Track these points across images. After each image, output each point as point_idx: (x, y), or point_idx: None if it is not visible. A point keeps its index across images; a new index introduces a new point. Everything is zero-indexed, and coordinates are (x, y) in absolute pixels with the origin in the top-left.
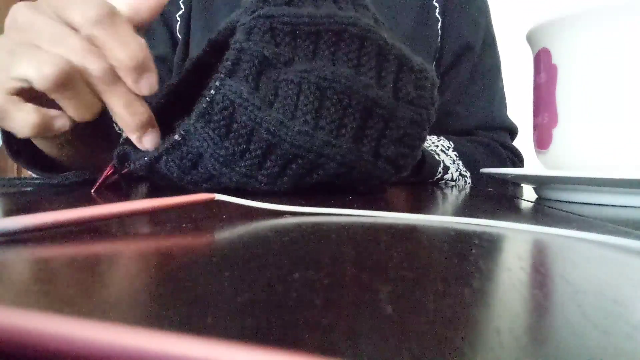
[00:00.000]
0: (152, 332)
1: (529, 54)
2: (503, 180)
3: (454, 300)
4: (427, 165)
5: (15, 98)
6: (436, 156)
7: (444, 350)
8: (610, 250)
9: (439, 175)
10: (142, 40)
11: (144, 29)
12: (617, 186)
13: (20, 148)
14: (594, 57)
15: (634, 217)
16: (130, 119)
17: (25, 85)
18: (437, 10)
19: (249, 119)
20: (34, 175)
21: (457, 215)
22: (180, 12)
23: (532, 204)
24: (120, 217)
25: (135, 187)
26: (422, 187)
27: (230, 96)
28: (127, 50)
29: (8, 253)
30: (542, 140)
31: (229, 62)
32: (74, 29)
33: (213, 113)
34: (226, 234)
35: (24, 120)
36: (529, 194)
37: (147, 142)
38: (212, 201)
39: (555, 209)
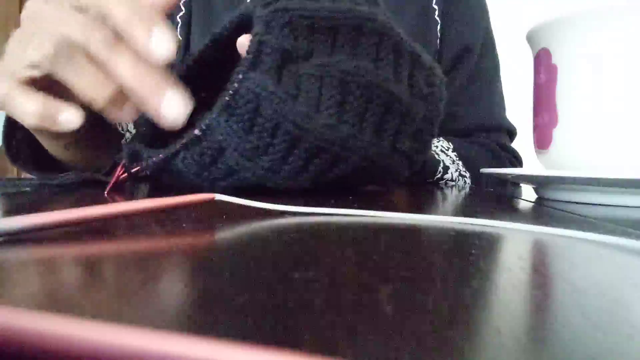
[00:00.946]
0: (152, 332)
1: (529, 54)
2: (502, 180)
3: (454, 300)
4: (428, 165)
5: (25, 87)
6: (436, 156)
7: (444, 350)
8: (610, 250)
9: (439, 175)
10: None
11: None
12: (617, 186)
13: (20, 149)
14: (594, 57)
15: (634, 217)
16: (140, 84)
17: (35, 73)
18: (437, 12)
19: (274, 112)
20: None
21: (457, 215)
22: (180, 14)
23: (532, 204)
24: (121, 217)
25: (135, 187)
26: (422, 187)
27: (254, 89)
28: (126, 3)
29: (8, 253)
30: (542, 140)
31: (250, 55)
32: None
33: (236, 106)
34: (226, 234)
35: (28, 108)
36: (529, 194)
37: (170, 107)
38: (212, 201)
39: (555, 209)
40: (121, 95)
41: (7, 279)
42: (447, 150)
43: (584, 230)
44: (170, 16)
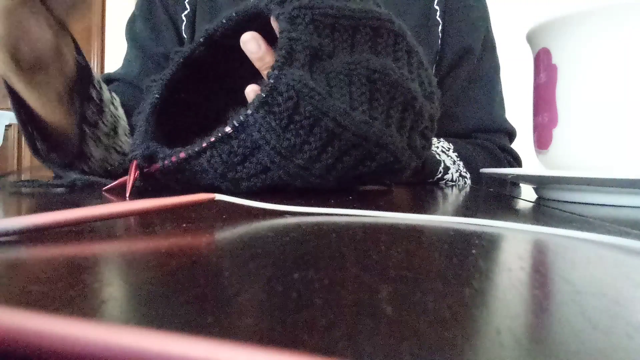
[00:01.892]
0: (152, 332)
1: (529, 54)
2: (502, 180)
3: (454, 300)
4: (428, 164)
5: None
6: (437, 156)
7: (444, 350)
8: (610, 250)
9: (439, 175)
10: None
11: None
12: (617, 186)
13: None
14: (594, 57)
15: (634, 217)
16: None
17: None
18: (438, 13)
19: (315, 108)
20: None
21: (457, 215)
22: (185, 12)
23: (532, 204)
24: (121, 217)
25: (136, 187)
26: (422, 187)
27: (295, 85)
28: None
29: (8, 253)
30: (542, 140)
31: (283, 51)
32: None
33: (275, 103)
34: (226, 234)
35: None
36: (529, 194)
37: None
38: (212, 201)
39: (555, 209)
40: None
41: (7, 278)
42: (448, 150)
43: (584, 230)
44: (174, 14)
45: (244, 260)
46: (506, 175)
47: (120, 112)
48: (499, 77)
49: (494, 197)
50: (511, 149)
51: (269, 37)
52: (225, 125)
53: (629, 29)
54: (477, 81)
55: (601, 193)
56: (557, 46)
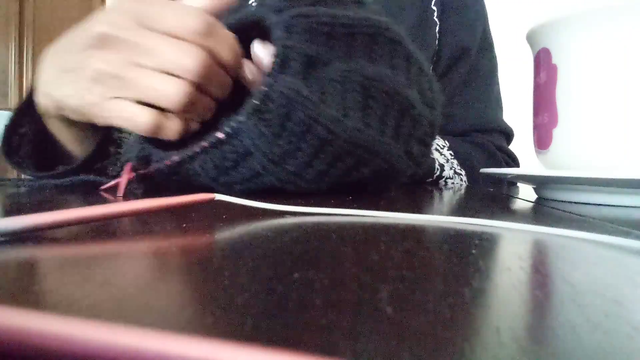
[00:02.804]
0: (152, 332)
1: (529, 54)
2: (499, 180)
3: (454, 300)
4: (425, 164)
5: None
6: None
7: (444, 350)
8: (610, 250)
9: (437, 173)
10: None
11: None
12: (617, 186)
13: (21, 145)
14: (594, 57)
15: (634, 217)
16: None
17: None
18: (435, 14)
19: (306, 115)
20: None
21: (456, 215)
22: None
23: (532, 204)
24: (120, 217)
25: (135, 187)
26: (422, 187)
27: (287, 93)
28: (232, 51)
29: (8, 253)
30: (542, 140)
31: (278, 59)
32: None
33: (267, 110)
34: (226, 234)
35: (143, 118)
36: (529, 194)
37: None
38: (212, 201)
39: (555, 209)
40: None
41: (7, 279)
42: (442, 148)
43: (584, 230)
44: None
45: (244, 260)
46: (506, 175)
47: None
48: (496, 78)
49: (493, 197)
50: (508, 149)
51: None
52: (217, 130)
53: (629, 29)
54: (473, 81)
55: (601, 193)
56: (557, 46)
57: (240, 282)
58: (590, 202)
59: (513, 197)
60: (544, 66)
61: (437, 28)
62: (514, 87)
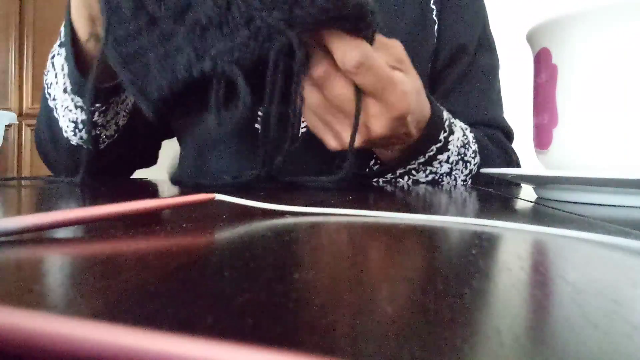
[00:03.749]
0: (152, 332)
1: (529, 54)
2: (498, 179)
3: (454, 300)
4: (433, 120)
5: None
6: (448, 119)
7: (444, 350)
8: (610, 250)
9: (443, 136)
10: None
11: None
12: (617, 186)
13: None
14: (594, 57)
15: (634, 217)
16: None
17: None
18: (434, 12)
19: None
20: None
21: (457, 215)
22: None
23: (532, 204)
24: (120, 217)
25: (135, 187)
26: (422, 187)
27: None
28: None
29: (8, 253)
30: (542, 140)
31: None
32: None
33: None
34: (226, 234)
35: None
36: (529, 194)
37: None
38: (212, 201)
39: (555, 209)
40: None
41: (7, 279)
42: (465, 129)
43: (584, 230)
44: None
45: (244, 260)
46: (506, 175)
47: None
48: (496, 77)
49: (494, 197)
50: (511, 147)
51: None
52: None
53: (629, 29)
54: (472, 79)
55: (601, 193)
56: (557, 46)
57: (240, 282)
58: (590, 202)
59: (513, 197)
60: (544, 66)
61: (436, 27)
62: (514, 87)
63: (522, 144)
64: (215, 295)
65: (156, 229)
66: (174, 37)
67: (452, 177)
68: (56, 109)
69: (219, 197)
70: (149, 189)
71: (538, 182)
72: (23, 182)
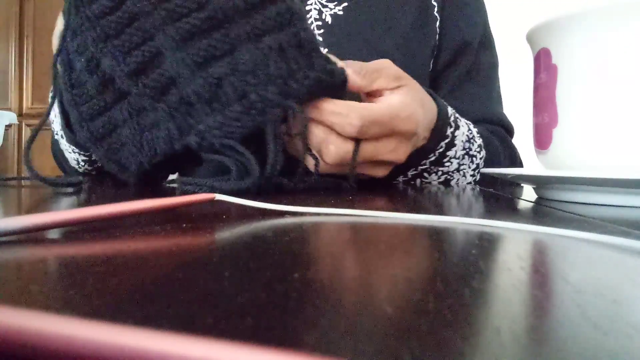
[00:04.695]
0: (152, 332)
1: (529, 54)
2: (497, 179)
3: (454, 300)
4: (441, 115)
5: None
6: (454, 115)
7: (444, 350)
8: (610, 250)
9: (449, 133)
10: None
11: None
12: (617, 186)
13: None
14: (594, 57)
15: (634, 217)
16: None
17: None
18: (436, 9)
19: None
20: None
21: (457, 215)
22: None
23: (532, 204)
24: (121, 217)
25: (135, 187)
26: (422, 187)
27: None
28: None
29: (8, 253)
30: (542, 140)
31: None
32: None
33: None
34: (226, 234)
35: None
36: (529, 194)
37: None
38: (212, 201)
39: (555, 209)
40: None
41: (7, 279)
42: (469, 124)
43: (584, 230)
44: None
45: (244, 260)
46: (506, 175)
47: None
48: (497, 75)
49: (494, 197)
50: (513, 144)
51: None
52: None
53: (629, 29)
54: (475, 77)
55: (601, 193)
56: (557, 46)
57: (240, 282)
58: (590, 202)
59: (513, 197)
60: (544, 66)
61: (438, 23)
62: (514, 87)
63: (522, 143)
64: (215, 295)
65: (156, 229)
66: (148, 112)
67: (461, 172)
68: (60, 142)
69: (219, 197)
70: (149, 189)
71: (538, 182)
72: (23, 182)
